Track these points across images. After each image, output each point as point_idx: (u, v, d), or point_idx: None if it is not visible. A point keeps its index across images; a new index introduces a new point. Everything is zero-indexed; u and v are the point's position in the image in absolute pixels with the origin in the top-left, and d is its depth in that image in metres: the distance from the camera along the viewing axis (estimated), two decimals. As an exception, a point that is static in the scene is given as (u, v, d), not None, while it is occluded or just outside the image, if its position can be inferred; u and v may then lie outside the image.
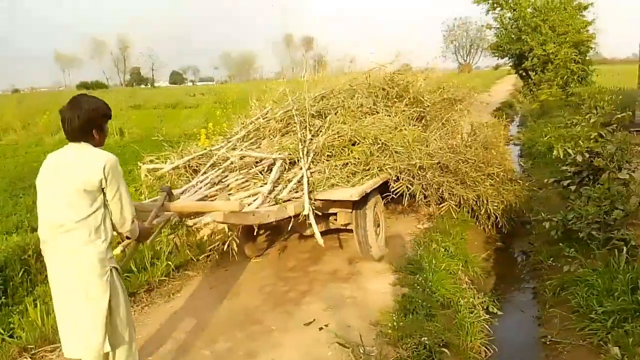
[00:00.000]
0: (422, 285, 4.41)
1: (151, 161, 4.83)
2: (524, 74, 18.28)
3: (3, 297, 4.18)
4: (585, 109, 5.36)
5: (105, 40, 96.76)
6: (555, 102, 13.91)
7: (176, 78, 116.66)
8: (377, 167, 4.66)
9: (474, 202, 5.62)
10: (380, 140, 4.80)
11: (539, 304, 4.92)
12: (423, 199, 5.17)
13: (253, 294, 4.62)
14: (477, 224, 6.14)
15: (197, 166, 4.76)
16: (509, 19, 17.11)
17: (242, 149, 4.82)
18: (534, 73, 16.61)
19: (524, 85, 19.97)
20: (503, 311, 4.60)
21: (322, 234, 4.25)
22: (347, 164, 4.69)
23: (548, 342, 4.22)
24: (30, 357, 3.64)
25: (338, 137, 4.87)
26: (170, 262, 5.01)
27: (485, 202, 5.74)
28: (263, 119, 5.60)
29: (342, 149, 4.81)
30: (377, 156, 4.76)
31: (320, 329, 3.88)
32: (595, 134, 5.14)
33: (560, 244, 4.95)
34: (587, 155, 5.09)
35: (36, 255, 4.45)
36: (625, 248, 4.44)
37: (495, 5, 18.02)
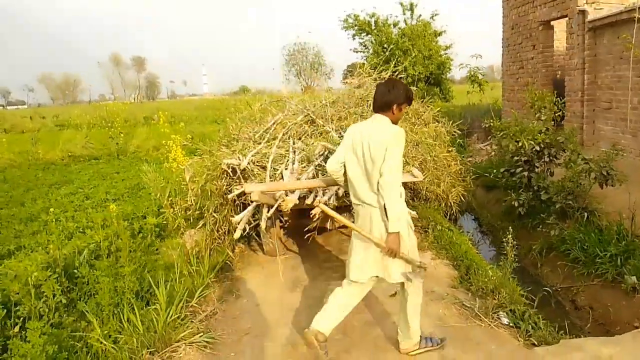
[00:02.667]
0: (454, 254, 5.17)
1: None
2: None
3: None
4: (534, 110, 6.75)
5: None
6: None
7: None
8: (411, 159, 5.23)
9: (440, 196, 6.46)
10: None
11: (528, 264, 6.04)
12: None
13: (317, 283, 4.84)
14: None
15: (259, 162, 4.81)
16: (379, 44, 19.15)
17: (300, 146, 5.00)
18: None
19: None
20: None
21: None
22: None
23: (559, 289, 5.30)
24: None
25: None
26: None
27: (446, 196, 6.70)
28: (277, 125, 5.81)
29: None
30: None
31: (392, 295, 4.30)
32: (544, 128, 6.51)
33: (541, 216, 6.11)
34: (542, 146, 6.40)
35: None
36: (586, 213, 5.82)
37: (360, 31, 19.98)
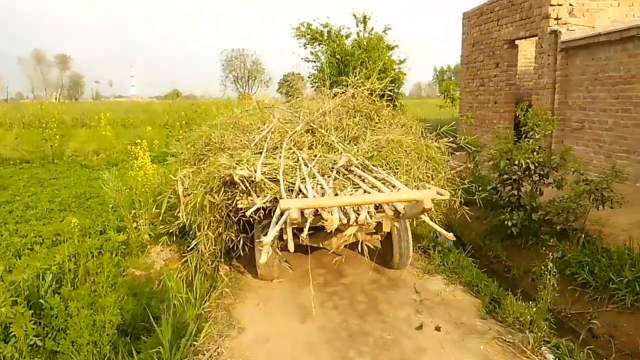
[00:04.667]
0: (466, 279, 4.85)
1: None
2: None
3: None
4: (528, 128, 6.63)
5: None
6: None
7: None
8: (421, 172, 4.83)
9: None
10: (412, 147, 5.00)
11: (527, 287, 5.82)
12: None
13: (326, 311, 4.33)
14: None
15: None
16: (332, 54, 18.87)
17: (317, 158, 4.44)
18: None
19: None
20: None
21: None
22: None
23: (569, 315, 5.09)
24: None
25: (376, 148, 4.93)
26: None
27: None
28: (274, 132, 5.24)
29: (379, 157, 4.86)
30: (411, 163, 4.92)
31: (437, 329, 3.93)
32: (537, 147, 6.40)
33: (541, 237, 5.94)
34: (535, 165, 6.27)
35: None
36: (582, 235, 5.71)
37: (313, 40, 19.61)
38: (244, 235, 4.80)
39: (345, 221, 3.24)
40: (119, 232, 6.06)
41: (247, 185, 3.96)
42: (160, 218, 6.45)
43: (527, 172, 6.41)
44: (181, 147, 9.15)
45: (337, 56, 18.66)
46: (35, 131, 13.24)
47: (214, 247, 4.73)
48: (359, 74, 16.41)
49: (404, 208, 3.47)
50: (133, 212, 6.17)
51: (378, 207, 3.69)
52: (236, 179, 3.88)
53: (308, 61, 20.32)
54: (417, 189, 4.28)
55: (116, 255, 5.41)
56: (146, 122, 23.70)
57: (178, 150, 6.68)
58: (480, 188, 6.93)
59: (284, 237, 4.62)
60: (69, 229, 5.87)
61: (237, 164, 4.18)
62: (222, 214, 4.46)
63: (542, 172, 6.32)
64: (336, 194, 3.58)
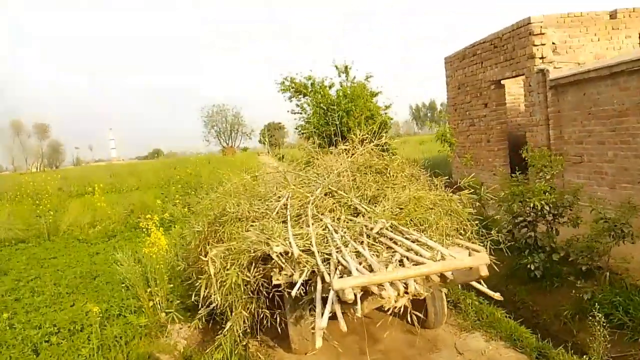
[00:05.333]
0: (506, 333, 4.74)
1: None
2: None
3: None
4: (536, 168, 6.71)
5: None
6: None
7: None
8: (449, 229, 4.78)
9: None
10: (437, 204, 4.97)
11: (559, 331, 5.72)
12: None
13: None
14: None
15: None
16: (317, 104, 19.20)
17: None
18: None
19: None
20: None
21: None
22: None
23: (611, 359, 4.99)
24: None
25: (398, 206, 4.89)
26: None
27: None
28: (293, 198, 5.19)
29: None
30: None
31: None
32: (548, 187, 6.46)
33: (569, 279, 5.88)
34: (549, 206, 6.31)
35: None
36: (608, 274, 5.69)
37: (297, 93, 20.01)
38: (276, 310, 4.65)
39: (395, 294, 3.15)
40: (135, 313, 5.90)
41: (283, 260, 3.87)
42: (177, 293, 6.33)
43: (540, 213, 6.44)
44: (180, 212, 9.02)
45: (323, 106, 18.99)
46: (28, 207, 12.96)
47: (245, 324, 4.57)
48: (346, 122, 16.68)
49: (452, 274, 3.42)
50: (149, 290, 6.00)
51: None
52: (274, 257, 3.79)
53: (294, 113, 20.68)
54: (447, 246, 4.23)
55: (140, 339, 5.24)
56: (136, 186, 23.64)
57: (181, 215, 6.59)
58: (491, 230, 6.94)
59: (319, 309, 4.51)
60: (88, 318, 5.71)
61: (268, 238, 4.10)
62: (253, 289, 4.34)
63: (556, 212, 6.36)
64: (386, 266, 3.49)
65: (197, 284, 5.71)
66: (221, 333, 4.74)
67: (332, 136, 19.44)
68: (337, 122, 17.92)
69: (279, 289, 4.22)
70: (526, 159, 7.27)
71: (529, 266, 6.27)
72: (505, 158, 11.28)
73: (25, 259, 9.77)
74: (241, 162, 30.65)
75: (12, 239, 11.73)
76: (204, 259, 4.35)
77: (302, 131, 19.84)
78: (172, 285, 6.32)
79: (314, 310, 4.55)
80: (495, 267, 6.42)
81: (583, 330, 5.51)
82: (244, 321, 4.52)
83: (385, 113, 19.23)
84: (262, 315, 4.41)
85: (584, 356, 4.04)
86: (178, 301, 6.22)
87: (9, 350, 5.14)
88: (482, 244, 4.64)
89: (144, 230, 6.77)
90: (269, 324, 4.54)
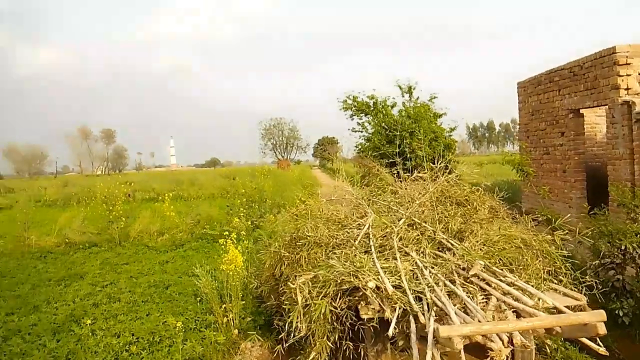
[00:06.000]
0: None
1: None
2: (396, 172, 20.28)
3: None
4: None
5: None
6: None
7: None
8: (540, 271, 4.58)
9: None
10: (528, 243, 4.79)
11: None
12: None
13: None
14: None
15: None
16: (379, 124, 19.20)
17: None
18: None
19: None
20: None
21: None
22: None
23: None
24: None
25: (486, 244, 4.75)
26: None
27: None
28: (374, 227, 5.15)
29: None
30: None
31: None
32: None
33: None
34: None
35: None
36: None
37: (359, 112, 20.08)
38: (358, 344, 4.60)
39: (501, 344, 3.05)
40: (209, 327, 6.03)
41: (372, 294, 3.84)
42: (249, 310, 6.42)
43: (629, 255, 6.09)
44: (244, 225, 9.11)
45: (385, 126, 18.94)
46: (101, 212, 13.58)
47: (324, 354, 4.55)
48: (409, 143, 16.49)
49: (560, 327, 3.27)
50: (224, 306, 6.12)
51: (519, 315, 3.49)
52: (368, 293, 3.77)
53: (355, 131, 20.73)
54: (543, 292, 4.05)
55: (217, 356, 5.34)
56: (197, 195, 24.37)
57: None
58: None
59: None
60: (167, 330, 5.89)
61: (357, 270, 4.08)
62: (335, 319, 4.33)
63: (648, 255, 6.00)
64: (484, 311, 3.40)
65: (273, 303, 5.82)
66: (297, 357, 4.75)
67: (394, 156, 19.38)
68: (399, 142, 17.83)
69: (362, 322, 4.19)
70: (612, 195, 6.91)
71: (617, 312, 5.92)
72: (583, 190, 10.79)
73: (99, 263, 10.23)
74: (298, 176, 31.01)
75: (85, 242, 12.33)
76: (291, 285, 4.37)
77: (362, 149, 19.87)
78: (244, 302, 6.42)
79: (395, 345, 4.50)
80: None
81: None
82: (324, 350, 4.51)
83: (450, 135, 18.99)
84: (344, 347, 4.37)
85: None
86: (250, 318, 6.31)
87: (93, 357, 5.36)
88: (575, 289, 4.43)
89: (215, 240, 6.87)
90: (350, 356, 4.50)
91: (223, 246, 6.43)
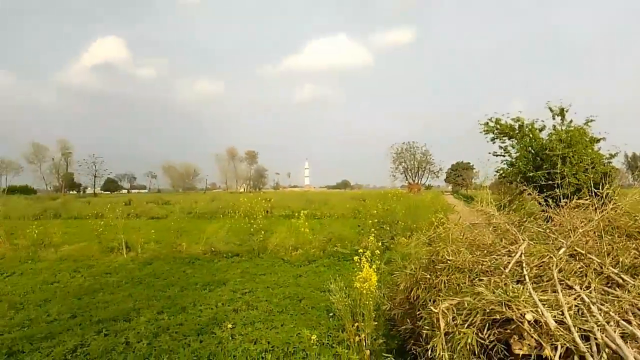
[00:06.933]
0: None
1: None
2: (544, 201, 18.67)
3: None
4: None
5: (47, 145, 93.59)
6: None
7: (110, 185, 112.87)
8: None
9: None
10: None
11: None
12: None
13: None
14: None
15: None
16: (525, 148, 17.91)
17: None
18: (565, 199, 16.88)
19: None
20: None
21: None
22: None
23: None
24: None
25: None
26: None
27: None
28: (527, 255, 4.66)
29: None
30: None
31: None
32: None
33: None
34: None
35: None
36: None
37: (502, 135, 18.89)
38: None
39: None
40: (341, 344, 5.93)
41: (529, 328, 3.41)
42: (381, 332, 6.21)
43: None
44: (375, 246, 8.96)
45: (532, 150, 17.56)
46: (243, 225, 14.44)
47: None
48: (560, 169, 15.08)
49: None
50: (356, 324, 5.99)
51: None
52: (525, 326, 3.37)
53: (497, 155, 19.52)
54: None
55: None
56: (329, 214, 24.91)
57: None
58: None
59: None
60: (304, 341, 5.94)
61: (511, 300, 3.67)
62: (481, 353, 3.93)
63: None
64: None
65: (407, 328, 5.55)
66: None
67: (542, 183, 17.84)
68: (549, 168, 16.35)
69: (512, 357, 3.75)
70: None
71: None
72: None
73: (239, 272, 10.81)
74: (430, 200, 30.14)
75: (228, 252, 13.17)
76: (434, 310, 4.09)
77: (504, 174, 18.60)
78: (376, 323, 6.24)
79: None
80: None
81: None
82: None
83: (609, 162, 16.97)
84: None
85: None
86: (382, 340, 6.11)
87: (231, 360, 5.57)
88: None
89: (347, 258, 6.81)
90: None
91: (356, 264, 6.35)
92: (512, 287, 3.91)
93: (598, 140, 17.33)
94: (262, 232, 13.82)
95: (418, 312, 4.87)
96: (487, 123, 19.32)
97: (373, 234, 12.84)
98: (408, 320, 5.60)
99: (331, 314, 6.97)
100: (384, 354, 5.59)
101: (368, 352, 5.87)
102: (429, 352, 4.10)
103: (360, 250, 6.70)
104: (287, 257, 12.73)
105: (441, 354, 3.92)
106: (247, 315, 7.34)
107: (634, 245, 4.81)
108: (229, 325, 6.44)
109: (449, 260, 5.21)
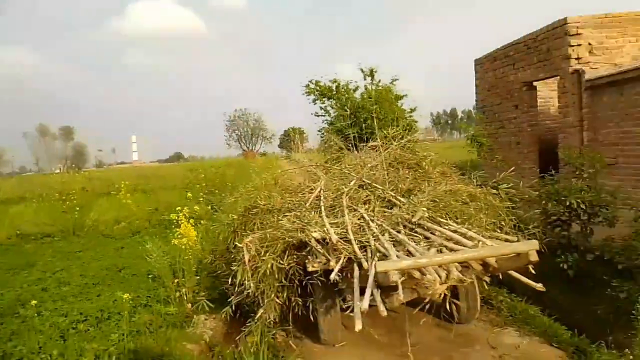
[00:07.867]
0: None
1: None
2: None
3: None
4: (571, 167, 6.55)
5: None
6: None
7: None
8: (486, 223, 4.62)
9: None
10: (474, 197, 4.82)
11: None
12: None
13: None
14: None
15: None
16: (341, 107, 19.18)
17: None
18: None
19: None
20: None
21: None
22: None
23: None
24: None
25: (434, 199, 4.76)
26: None
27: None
28: (326, 191, 5.13)
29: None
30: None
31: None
32: (585, 186, 6.27)
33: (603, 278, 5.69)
34: (584, 205, 6.12)
35: None
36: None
37: (322, 96, 20.02)
38: (307, 299, 4.57)
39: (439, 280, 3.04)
40: (161, 302, 5.88)
41: (319, 247, 3.80)
42: (204, 285, 6.29)
43: (575, 212, 6.26)
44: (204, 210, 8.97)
45: (347, 109, 18.95)
46: (54, 204, 13.13)
47: (275, 313, 4.49)
48: (370, 124, 16.52)
49: (496, 262, 3.30)
50: (176, 281, 5.98)
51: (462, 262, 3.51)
52: (312, 243, 3.72)
53: (317, 115, 20.67)
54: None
55: (168, 329, 5.20)
56: (162, 187, 23.82)
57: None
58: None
59: (349, 297, 4.42)
60: (116, 306, 5.71)
61: (304, 226, 4.03)
62: (285, 277, 4.27)
63: (591, 212, 6.17)
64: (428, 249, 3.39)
65: (225, 274, 5.72)
66: (248, 325, 4.67)
67: (356, 138, 19.36)
68: (361, 125, 17.90)
69: (311, 277, 4.15)
70: (561, 158, 7.10)
71: (562, 266, 6.08)
72: (535, 161, 11.04)
73: (51, 252, 9.87)
74: (262, 164, 30.75)
75: (38, 233, 11.89)
76: (239, 245, 4.28)
77: (324, 133, 19.83)
78: (198, 277, 6.30)
79: (344, 300, 4.48)
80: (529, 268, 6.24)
81: (619, 329, 5.32)
82: (274, 310, 4.45)
83: (410, 116, 19.14)
84: (293, 303, 4.33)
85: (625, 350, 3.87)
86: (204, 293, 6.18)
87: (37, 335, 5.14)
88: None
89: (173, 222, 6.75)
90: (299, 313, 4.46)
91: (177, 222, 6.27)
92: (307, 215, 4.29)
93: (401, 97, 19.46)
94: (78, 208, 12.73)
95: (232, 256, 5.04)
96: (309, 85, 20.26)
97: (202, 198, 12.77)
98: (226, 267, 5.75)
99: (151, 276, 6.82)
100: (206, 302, 5.68)
101: (189, 305, 5.92)
102: (236, 288, 4.33)
103: (178, 208, 6.64)
104: (108, 231, 11.98)
105: (246, 283, 4.16)
106: (58, 291, 6.79)
107: (411, 174, 5.61)
108: (34, 302, 5.91)
109: (261, 204, 5.45)
